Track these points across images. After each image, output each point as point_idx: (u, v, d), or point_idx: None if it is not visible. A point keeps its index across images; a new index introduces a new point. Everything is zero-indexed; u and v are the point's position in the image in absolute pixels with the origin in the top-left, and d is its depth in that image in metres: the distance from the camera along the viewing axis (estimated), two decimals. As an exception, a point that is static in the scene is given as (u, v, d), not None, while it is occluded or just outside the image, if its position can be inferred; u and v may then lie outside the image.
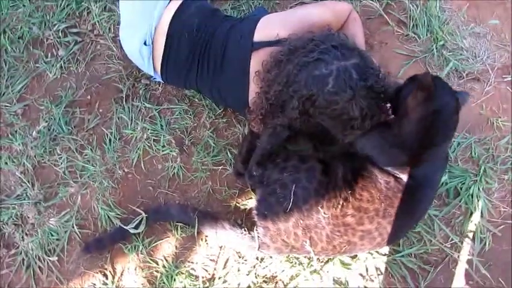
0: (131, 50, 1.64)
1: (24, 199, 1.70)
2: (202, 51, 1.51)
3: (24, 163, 1.75)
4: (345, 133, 1.32)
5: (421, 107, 1.21)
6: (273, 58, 1.36)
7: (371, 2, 1.86)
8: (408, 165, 1.28)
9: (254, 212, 1.41)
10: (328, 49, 1.26)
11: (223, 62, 1.49)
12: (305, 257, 1.52)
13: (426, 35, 1.81)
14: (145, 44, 1.57)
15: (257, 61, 1.43)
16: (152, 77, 1.77)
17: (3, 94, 1.86)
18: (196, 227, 1.54)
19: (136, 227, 1.55)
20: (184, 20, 1.54)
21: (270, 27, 1.45)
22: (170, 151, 1.71)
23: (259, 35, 1.45)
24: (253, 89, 1.45)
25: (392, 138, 1.28)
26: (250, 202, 1.61)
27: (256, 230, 1.42)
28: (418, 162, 1.28)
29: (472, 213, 1.55)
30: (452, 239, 1.53)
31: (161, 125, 1.75)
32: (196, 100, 1.78)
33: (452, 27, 1.83)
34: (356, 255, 1.53)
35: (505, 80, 1.73)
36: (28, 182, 1.72)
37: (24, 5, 2.00)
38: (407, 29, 1.83)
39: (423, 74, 1.22)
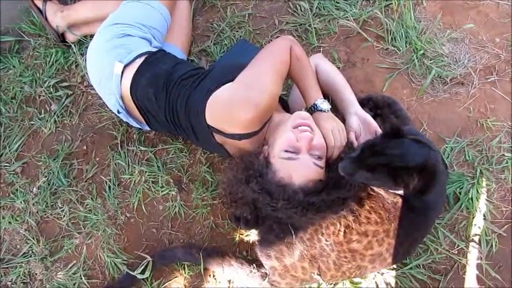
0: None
1: (31, 256, 1.71)
2: (175, 119, 1.53)
3: (27, 220, 1.77)
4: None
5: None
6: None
7: (347, 21, 1.90)
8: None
9: (258, 253, 1.39)
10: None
11: (196, 135, 1.52)
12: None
13: (406, 46, 1.85)
14: (118, 112, 1.64)
15: (219, 137, 1.45)
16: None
17: (2, 155, 1.90)
18: (202, 266, 1.54)
19: (143, 272, 1.55)
20: (140, 93, 1.56)
21: (217, 118, 1.38)
22: (170, 191, 1.73)
23: (210, 119, 1.39)
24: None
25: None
26: (253, 232, 1.61)
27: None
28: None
29: (474, 217, 1.55)
30: (458, 245, 1.52)
31: (158, 166, 1.77)
32: (189, 137, 1.81)
33: (430, 35, 1.86)
34: (365, 273, 1.51)
35: (489, 80, 1.75)
36: (33, 238, 1.74)
37: (14, 66, 2.07)
38: (386, 43, 1.87)
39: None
